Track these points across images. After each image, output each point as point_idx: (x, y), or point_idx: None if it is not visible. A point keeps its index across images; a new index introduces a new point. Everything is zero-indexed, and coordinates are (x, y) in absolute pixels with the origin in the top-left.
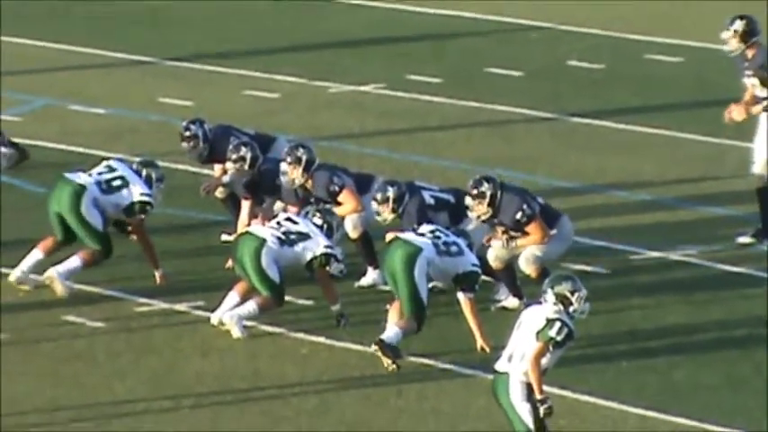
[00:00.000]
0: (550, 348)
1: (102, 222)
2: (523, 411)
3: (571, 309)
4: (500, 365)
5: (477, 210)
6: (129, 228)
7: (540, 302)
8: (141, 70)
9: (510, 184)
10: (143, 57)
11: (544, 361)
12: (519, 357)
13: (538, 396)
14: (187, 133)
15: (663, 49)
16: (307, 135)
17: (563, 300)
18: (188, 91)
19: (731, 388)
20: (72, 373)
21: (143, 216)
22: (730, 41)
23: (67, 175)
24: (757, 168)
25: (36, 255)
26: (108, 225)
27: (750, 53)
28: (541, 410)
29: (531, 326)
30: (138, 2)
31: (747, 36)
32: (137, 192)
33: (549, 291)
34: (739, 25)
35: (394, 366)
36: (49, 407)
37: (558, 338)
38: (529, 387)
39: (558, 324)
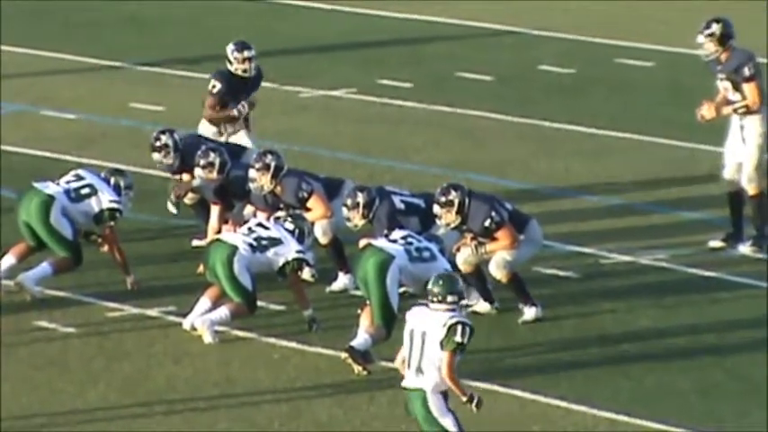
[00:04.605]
0: (458, 352)
1: (71, 231)
2: (448, 424)
3: (464, 302)
4: (410, 382)
5: (446, 218)
6: (99, 240)
7: (426, 305)
8: (112, 75)
9: (478, 191)
10: (114, 62)
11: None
12: (431, 369)
13: (464, 399)
14: (157, 143)
15: (634, 54)
16: (278, 140)
17: (460, 298)
18: (159, 96)
19: (702, 393)
20: (45, 379)
21: (113, 223)
22: (707, 45)
23: (36, 184)
24: (728, 173)
25: (9, 260)
26: (79, 235)
27: (724, 56)
28: (474, 408)
29: (431, 336)
30: (109, 6)
31: (725, 39)
32: (105, 199)
33: (444, 293)
34: (716, 28)
35: (365, 372)
36: (23, 413)
37: (465, 341)
38: (446, 396)
39: (459, 327)
